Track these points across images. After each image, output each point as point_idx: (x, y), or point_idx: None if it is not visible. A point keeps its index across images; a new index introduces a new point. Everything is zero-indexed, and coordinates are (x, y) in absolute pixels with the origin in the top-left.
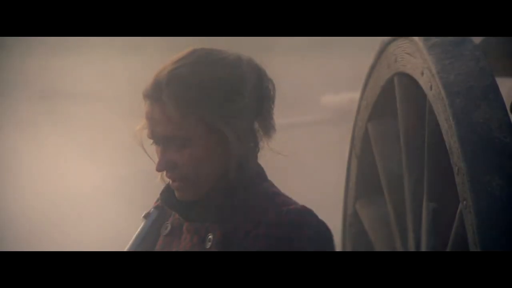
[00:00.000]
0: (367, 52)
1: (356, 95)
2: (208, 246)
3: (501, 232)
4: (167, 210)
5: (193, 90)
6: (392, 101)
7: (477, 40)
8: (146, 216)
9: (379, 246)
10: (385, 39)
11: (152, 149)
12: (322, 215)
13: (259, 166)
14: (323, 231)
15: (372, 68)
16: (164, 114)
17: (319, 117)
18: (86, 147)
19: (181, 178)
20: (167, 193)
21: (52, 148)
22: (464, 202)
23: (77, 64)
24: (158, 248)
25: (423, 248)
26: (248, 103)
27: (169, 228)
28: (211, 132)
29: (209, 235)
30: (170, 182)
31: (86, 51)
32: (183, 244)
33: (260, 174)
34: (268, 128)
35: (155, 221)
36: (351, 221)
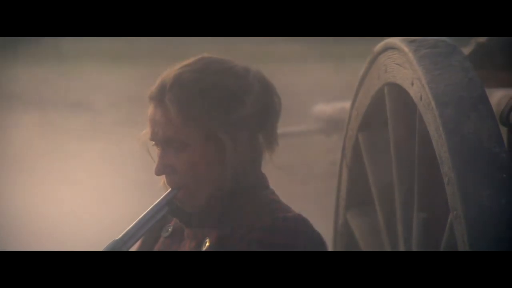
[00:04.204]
0: (358, 62)
1: (347, 105)
2: (203, 250)
3: (491, 242)
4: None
5: (196, 96)
6: (383, 111)
7: (466, 50)
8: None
9: None
10: (375, 49)
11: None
12: (312, 224)
13: (261, 174)
14: (317, 241)
15: (363, 78)
16: (165, 117)
17: (310, 127)
18: (79, 155)
19: (180, 185)
20: (173, 206)
21: (49, 157)
22: (455, 212)
23: (69, 74)
24: (156, 249)
25: None
26: (251, 115)
27: (170, 230)
28: (209, 138)
29: (205, 240)
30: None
31: (79, 60)
32: (182, 250)
33: (261, 182)
34: (271, 142)
35: (169, 201)
36: (342, 230)
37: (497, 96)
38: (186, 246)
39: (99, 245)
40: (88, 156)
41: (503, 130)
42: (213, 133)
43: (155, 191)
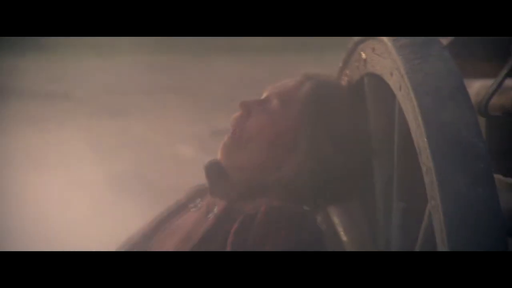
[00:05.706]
0: (337, 54)
1: None
2: (209, 217)
3: (469, 231)
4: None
5: (325, 107)
6: (362, 102)
7: (445, 41)
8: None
9: (351, 246)
10: (354, 40)
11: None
12: None
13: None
14: (316, 229)
15: (342, 69)
16: (291, 91)
17: None
18: (60, 148)
19: (237, 132)
20: (213, 163)
21: (27, 148)
22: (433, 202)
23: (50, 63)
24: (180, 219)
25: (393, 247)
26: (351, 165)
27: (199, 206)
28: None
29: (214, 208)
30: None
31: (60, 50)
32: (193, 211)
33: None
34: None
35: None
36: (323, 224)
37: (475, 87)
38: (199, 211)
39: (83, 239)
40: (67, 146)
41: (482, 121)
42: (305, 139)
43: (135, 184)
